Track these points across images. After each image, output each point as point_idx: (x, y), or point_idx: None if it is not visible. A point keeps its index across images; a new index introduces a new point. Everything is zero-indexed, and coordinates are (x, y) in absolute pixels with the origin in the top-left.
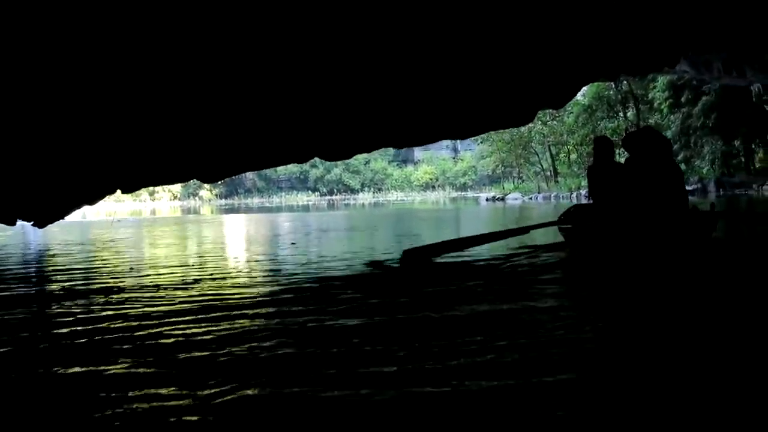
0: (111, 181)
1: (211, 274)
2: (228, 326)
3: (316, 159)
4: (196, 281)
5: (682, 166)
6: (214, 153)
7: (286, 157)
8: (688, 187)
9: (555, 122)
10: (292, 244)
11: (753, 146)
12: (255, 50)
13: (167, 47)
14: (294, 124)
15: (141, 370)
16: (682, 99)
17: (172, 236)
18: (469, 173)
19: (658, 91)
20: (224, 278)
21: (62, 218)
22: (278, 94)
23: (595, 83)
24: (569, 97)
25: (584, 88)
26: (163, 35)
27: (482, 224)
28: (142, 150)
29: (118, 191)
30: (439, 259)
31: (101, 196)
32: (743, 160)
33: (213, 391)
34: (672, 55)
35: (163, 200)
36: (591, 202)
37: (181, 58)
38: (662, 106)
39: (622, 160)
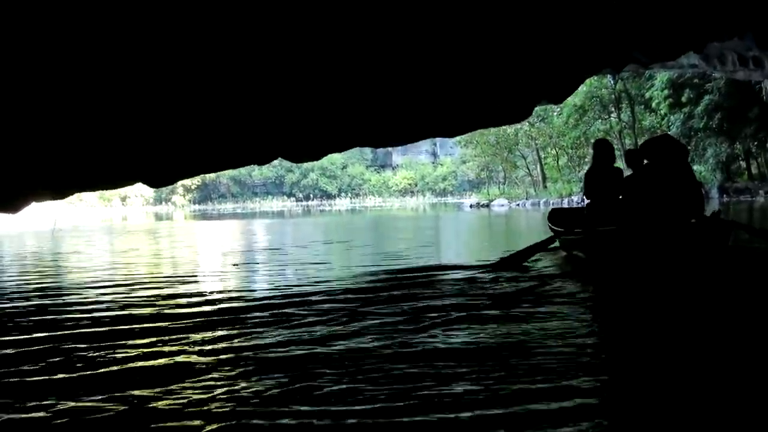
0: (35, 184)
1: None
2: None
3: (293, 164)
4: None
5: None
6: (160, 153)
7: (244, 158)
8: None
9: (543, 124)
10: (234, 265)
11: (753, 150)
12: (206, 35)
13: (104, 25)
14: (252, 119)
15: None
16: (683, 98)
17: (101, 252)
18: (449, 178)
19: (657, 90)
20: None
21: None
22: (232, 84)
23: (588, 81)
24: (571, 89)
25: None
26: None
27: (476, 238)
28: (73, 148)
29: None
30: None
31: (25, 203)
32: (743, 164)
33: None
34: (699, 38)
35: (134, 206)
36: (585, 205)
37: (122, 39)
38: (661, 106)
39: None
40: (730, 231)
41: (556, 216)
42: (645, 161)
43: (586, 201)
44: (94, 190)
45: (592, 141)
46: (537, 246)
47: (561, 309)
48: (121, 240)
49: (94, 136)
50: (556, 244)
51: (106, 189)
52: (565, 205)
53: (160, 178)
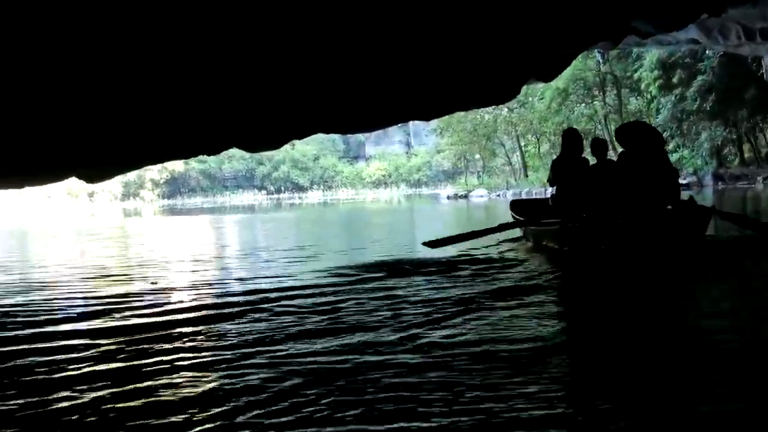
0: None
1: None
2: None
3: (263, 155)
4: None
5: (674, 156)
6: (95, 144)
7: (191, 148)
8: (681, 180)
9: (523, 109)
10: (152, 283)
11: (747, 133)
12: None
13: None
14: (199, 103)
15: None
16: (674, 79)
17: None
18: (424, 169)
19: (646, 71)
20: None
21: None
22: (174, 62)
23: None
24: (563, 66)
25: None
26: None
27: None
28: None
29: None
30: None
31: None
32: (733, 148)
33: None
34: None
35: (101, 201)
36: (550, 195)
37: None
38: (650, 88)
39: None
40: (708, 218)
41: (519, 207)
42: (621, 149)
43: (551, 190)
44: (18, 187)
45: (574, 127)
46: (473, 234)
47: (540, 300)
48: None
49: (16, 122)
50: (518, 233)
51: (33, 185)
52: (548, 195)
53: (96, 172)
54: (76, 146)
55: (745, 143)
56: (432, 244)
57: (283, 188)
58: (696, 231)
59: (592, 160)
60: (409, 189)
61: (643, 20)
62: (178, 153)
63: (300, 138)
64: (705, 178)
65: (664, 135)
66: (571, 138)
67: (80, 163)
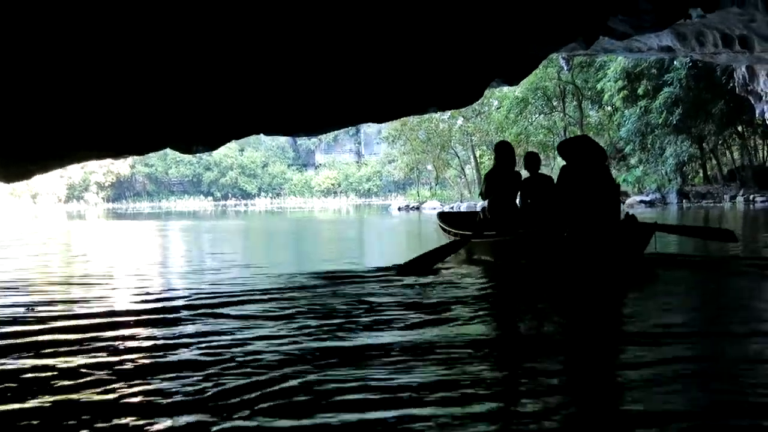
0: None
1: None
2: None
3: (210, 161)
4: None
5: (636, 172)
6: (6, 139)
7: (118, 146)
8: (644, 197)
9: (479, 118)
10: (28, 308)
11: (710, 149)
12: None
13: None
14: (126, 98)
15: None
16: (639, 91)
17: None
18: (374, 179)
19: (609, 81)
20: None
21: None
22: (99, 49)
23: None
24: (531, 67)
25: None
26: None
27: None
28: None
29: None
30: None
31: None
32: (694, 165)
33: None
34: None
35: (45, 204)
36: (481, 209)
37: None
38: (614, 99)
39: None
40: (649, 235)
41: (446, 219)
42: (563, 162)
43: (483, 204)
44: None
45: (532, 139)
46: (447, 248)
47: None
48: None
49: None
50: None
51: None
52: (479, 209)
53: (11, 171)
54: None
55: (709, 160)
56: (403, 269)
57: (230, 195)
58: (635, 247)
59: (525, 174)
60: (359, 199)
61: (622, 17)
62: (103, 152)
63: (238, 138)
64: (669, 196)
65: (626, 149)
66: (503, 151)
67: None
